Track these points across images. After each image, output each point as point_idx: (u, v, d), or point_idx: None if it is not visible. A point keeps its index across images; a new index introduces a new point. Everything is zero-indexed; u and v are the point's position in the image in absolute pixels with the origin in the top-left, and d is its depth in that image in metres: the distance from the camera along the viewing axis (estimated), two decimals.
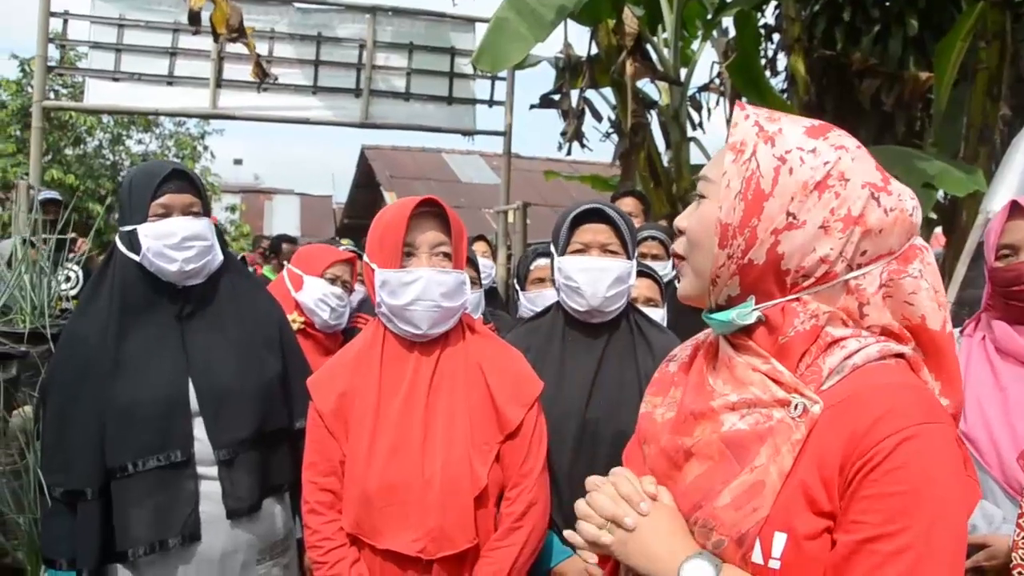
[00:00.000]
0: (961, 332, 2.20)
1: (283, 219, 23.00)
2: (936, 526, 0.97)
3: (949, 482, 0.99)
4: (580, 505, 1.16)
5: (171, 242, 2.05)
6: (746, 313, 1.11)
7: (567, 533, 1.18)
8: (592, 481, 1.17)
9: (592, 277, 2.10)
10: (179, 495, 2.01)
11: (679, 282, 1.22)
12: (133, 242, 2.07)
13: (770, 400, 1.06)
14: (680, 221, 1.18)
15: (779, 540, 1.02)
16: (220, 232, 2.20)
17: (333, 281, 3.04)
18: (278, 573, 2.19)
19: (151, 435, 2.00)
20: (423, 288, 1.85)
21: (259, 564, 2.14)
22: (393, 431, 1.85)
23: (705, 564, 1.03)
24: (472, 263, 2.96)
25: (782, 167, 1.08)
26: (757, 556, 1.03)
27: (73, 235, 3.08)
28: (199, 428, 2.06)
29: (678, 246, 1.19)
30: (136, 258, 2.06)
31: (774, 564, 1.01)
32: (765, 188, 1.07)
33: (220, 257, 2.19)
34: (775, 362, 1.08)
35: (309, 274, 3.03)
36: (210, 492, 2.05)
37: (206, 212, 2.16)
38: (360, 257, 3.50)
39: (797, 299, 1.09)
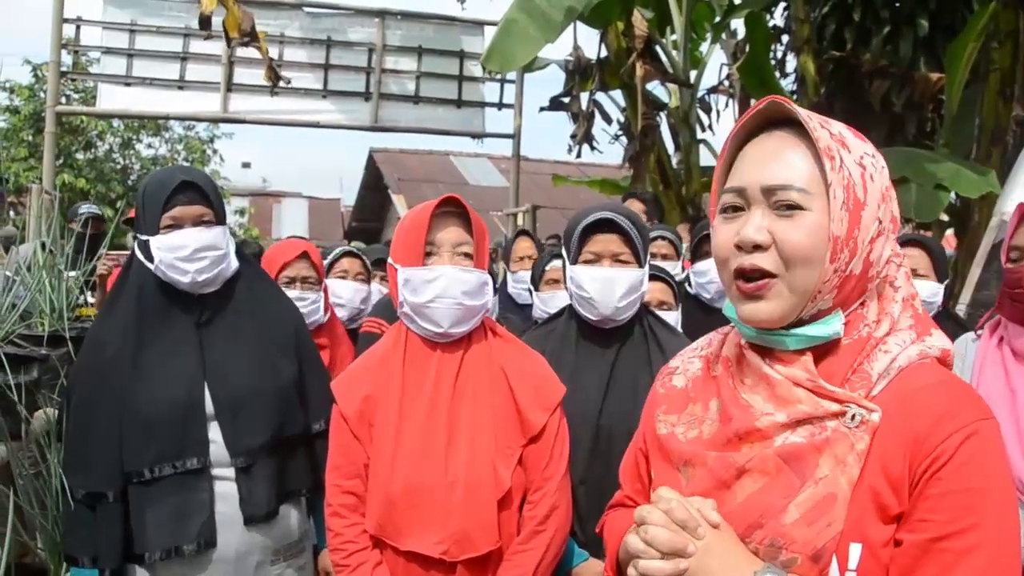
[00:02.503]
0: (975, 331, 2.21)
1: (292, 222, 23.08)
2: (1003, 521, 0.99)
3: (1008, 476, 1.02)
4: (634, 541, 1.08)
5: (182, 255, 2.04)
6: (834, 327, 1.09)
7: (630, 572, 1.09)
8: (643, 514, 1.08)
9: (604, 287, 2.09)
10: (195, 502, 2.01)
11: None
12: (148, 251, 2.07)
13: (824, 414, 1.05)
14: (759, 234, 1.08)
15: (855, 551, 1.01)
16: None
17: (290, 283, 2.93)
18: (292, 574, 2.20)
19: (167, 442, 2.01)
20: (445, 286, 1.85)
21: (273, 565, 2.14)
22: (417, 433, 1.85)
23: None
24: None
25: (865, 174, 1.08)
26: (834, 571, 1.02)
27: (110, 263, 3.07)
28: (215, 432, 2.06)
29: (761, 261, 1.09)
30: (152, 267, 2.07)
31: None
32: (860, 197, 1.07)
33: (235, 263, 2.18)
34: (823, 382, 1.07)
35: None
36: (226, 493, 2.05)
37: (220, 219, 2.15)
38: (360, 258, 3.47)
39: (862, 303, 1.11)
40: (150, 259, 2.07)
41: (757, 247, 1.08)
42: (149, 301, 2.09)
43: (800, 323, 1.10)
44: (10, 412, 2.08)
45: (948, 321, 2.81)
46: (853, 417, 1.04)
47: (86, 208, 5.17)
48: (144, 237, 2.07)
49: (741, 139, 1.17)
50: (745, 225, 1.09)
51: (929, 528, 0.99)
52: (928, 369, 1.09)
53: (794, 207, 1.07)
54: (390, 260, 1.94)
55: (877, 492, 1.02)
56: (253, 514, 2.06)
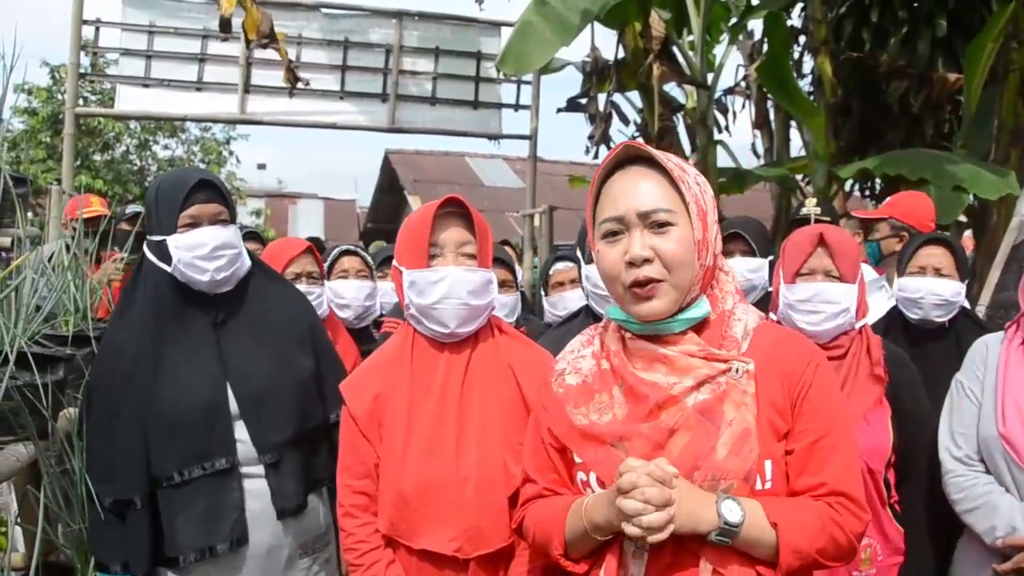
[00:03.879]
0: (1005, 333, 2.20)
1: (307, 223, 23.14)
2: (846, 420, 1.47)
3: (838, 386, 1.53)
4: (631, 504, 1.30)
5: (201, 253, 2.06)
6: (704, 308, 1.44)
7: (630, 530, 1.31)
8: (632, 479, 1.31)
9: None
10: (226, 501, 2.03)
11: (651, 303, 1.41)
12: (163, 252, 2.08)
13: (716, 372, 1.39)
14: (645, 251, 1.39)
15: (768, 466, 1.39)
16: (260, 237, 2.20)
17: (295, 279, 2.95)
18: (319, 568, 2.22)
19: (195, 444, 2.03)
20: (450, 286, 1.86)
21: (302, 558, 2.17)
22: (427, 432, 1.87)
23: (731, 502, 1.34)
24: (508, 265, 2.95)
25: (701, 189, 1.44)
26: (758, 484, 1.37)
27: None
28: (241, 430, 2.08)
29: (651, 271, 1.38)
30: (168, 268, 2.08)
31: (767, 486, 1.38)
32: (703, 207, 1.42)
33: (248, 263, 2.20)
34: (710, 348, 1.42)
35: None
36: (255, 490, 2.08)
37: (232, 219, 2.17)
38: (359, 254, 3.46)
39: (711, 286, 1.47)
40: (164, 260, 2.08)
41: (645, 260, 1.38)
42: (164, 304, 2.10)
43: (679, 311, 1.42)
44: (37, 412, 2.10)
45: (967, 322, 2.78)
46: (737, 371, 1.39)
47: (134, 208, 5.20)
48: (159, 237, 2.08)
49: (602, 177, 1.48)
50: (631, 246, 1.39)
51: (807, 435, 1.41)
52: (770, 327, 1.52)
53: (665, 224, 1.39)
54: (394, 263, 1.95)
55: (771, 420, 1.40)
56: (285, 507, 2.09)
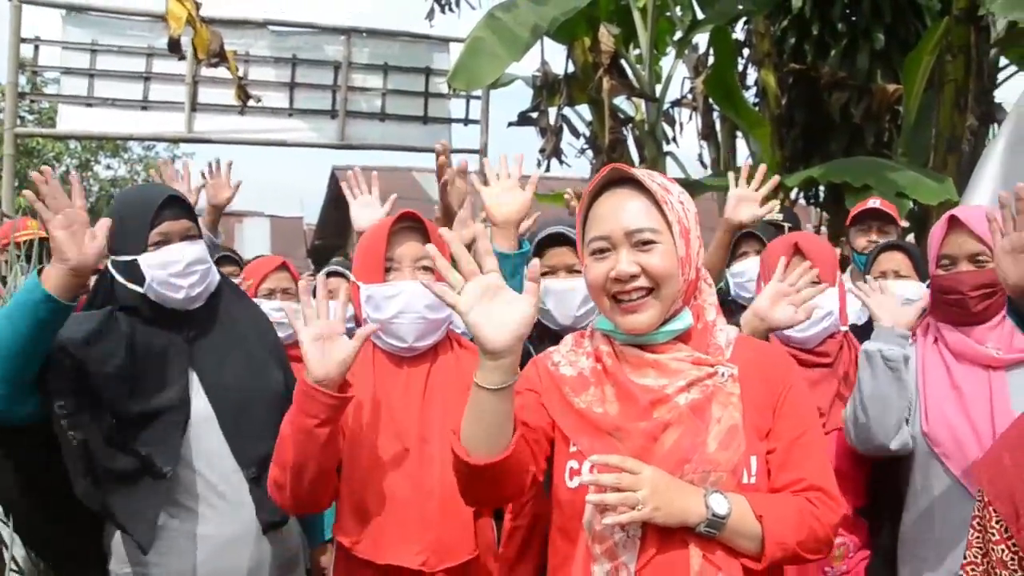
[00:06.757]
0: (912, 334, 2.27)
1: (254, 241, 22.73)
2: (817, 420, 1.60)
3: (809, 390, 1.64)
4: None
5: (175, 270, 2.02)
6: (687, 320, 1.52)
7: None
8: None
9: (561, 299, 2.19)
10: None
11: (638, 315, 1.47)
12: (132, 272, 2.03)
13: (704, 375, 1.48)
14: (631, 267, 1.46)
15: (753, 462, 1.47)
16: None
17: (270, 295, 2.98)
18: None
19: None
20: (407, 301, 1.88)
21: None
22: (389, 447, 1.87)
23: (718, 495, 1.41)
24: None
25: (684, 207, 1.51)
26: (744, 478, 1.45)
27: None
28: (223, 445, 2.06)
29: (638, 284, 1.46)
30: (139, 289, 2.03)
31: (752, 480, 1.46)
32: (687, 225, 1.50)
33: (217, 277, 2.18)
34: (697, 353, 1.51)
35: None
36: (240, 512, 2.05)
37: (200, 234, 2.15)
38: (346, 276, 3.46)
39: (694, 297, 1.56)
40: (133, 279, 2.03)
41: (632, 276, 1.46)
42: (138, 324, 2.05)
43: (663, 323, 1.50)
44: None
45: None
46: (723, 374, 1.49)
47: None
48: (128, 257, 2.03)
49: (591, 198, 1.55)
50: (619, 263, 1.47)
51: (787, 434, 1.51)
52: (745, 339, 1.63)
53: (649, 242, 1.47)
54: (352, 278, 1.96)
55: (755, 419, 1.49)
56: (269, 520, 2.07)
